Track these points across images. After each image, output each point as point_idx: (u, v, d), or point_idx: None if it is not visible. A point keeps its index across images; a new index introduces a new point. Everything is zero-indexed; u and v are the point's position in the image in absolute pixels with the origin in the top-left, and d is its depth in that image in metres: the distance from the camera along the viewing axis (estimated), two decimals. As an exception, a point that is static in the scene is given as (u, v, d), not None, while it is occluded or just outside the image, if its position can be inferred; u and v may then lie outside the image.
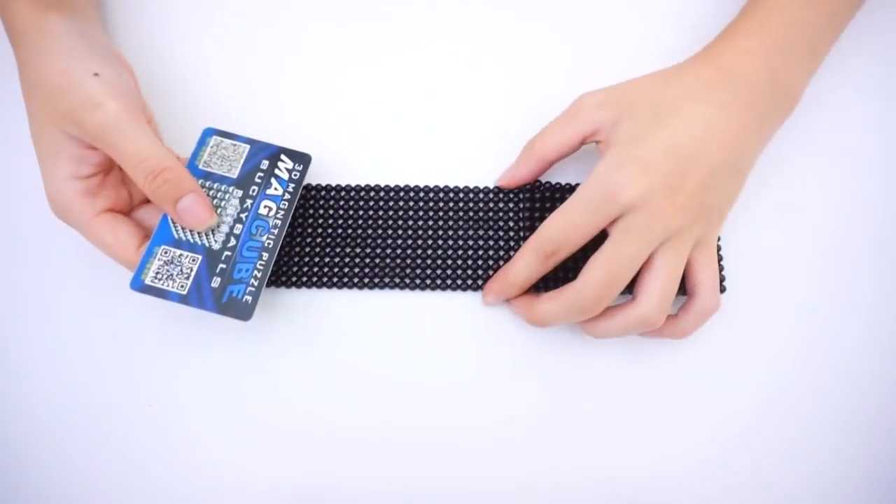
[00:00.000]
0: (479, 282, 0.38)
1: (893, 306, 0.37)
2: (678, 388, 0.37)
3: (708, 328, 0.36)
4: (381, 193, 0.39)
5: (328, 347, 0.37)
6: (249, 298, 0.35)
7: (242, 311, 0.34)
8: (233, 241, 0.36)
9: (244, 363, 0.37)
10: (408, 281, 0.38)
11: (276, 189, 0.37)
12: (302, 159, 0.38)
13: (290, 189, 0.37)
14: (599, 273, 0.32)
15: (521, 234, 0.38)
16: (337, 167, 0.40)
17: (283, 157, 0.38)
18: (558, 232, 0.33)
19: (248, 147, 0.38)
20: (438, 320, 0.38)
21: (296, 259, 0.38)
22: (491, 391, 0.37)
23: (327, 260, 0.38)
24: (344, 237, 0.38)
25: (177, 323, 0.38)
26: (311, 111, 0.41)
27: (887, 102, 0.40)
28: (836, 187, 0.39)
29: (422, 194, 0.39)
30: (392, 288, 0.38)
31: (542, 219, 0.35)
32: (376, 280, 0.38)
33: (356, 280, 0.38)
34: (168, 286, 0.34)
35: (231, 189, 0.37)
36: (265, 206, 0.37)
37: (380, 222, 0.39)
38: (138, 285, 0.34)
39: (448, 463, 0.36)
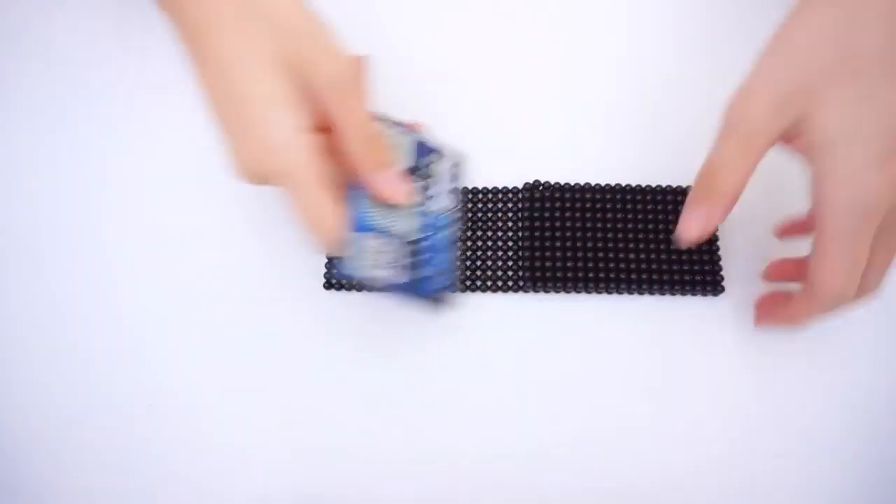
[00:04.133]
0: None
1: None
2: (687, 392, 0.36)
3: (713, 328, 0.36)
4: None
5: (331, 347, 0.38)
6: (449, 287, 0.33)
7: (446, 300, 0.33)
8: (422, 232, 0.34)
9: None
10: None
11: (441, 187, 0.35)
12: (458, 157, 0.37)
13: (456, 184, 0.36)
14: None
15: (521, 233, 0.37)
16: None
17: (441, 154, 0.36)
18: (841, 281, 0.29)
19: (408, 140, 0.35)
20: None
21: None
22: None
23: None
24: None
25: (177, 322, 0.37)
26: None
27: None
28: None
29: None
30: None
31: (541, 219, 0.35)
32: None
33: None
34: (373, 274, 0.32)
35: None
36: (438, 203, 0.35)
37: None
38: (345, 273, 0.31)
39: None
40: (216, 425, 0.36)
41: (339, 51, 0.30)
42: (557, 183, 0.38)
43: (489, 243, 0.38)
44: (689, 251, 0.36)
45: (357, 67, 0.30)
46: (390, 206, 0.33)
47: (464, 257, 0.37)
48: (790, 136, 0.29)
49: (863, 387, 0.36)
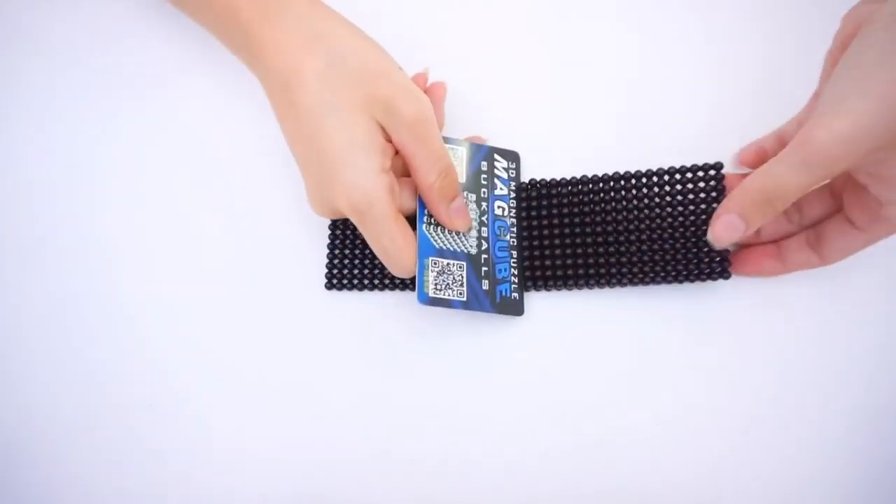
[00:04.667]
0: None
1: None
2: (683, 384, 0.36)
3: (710, 319, 0.37)
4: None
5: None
6: (517, 295, 0.35)
7: (516, 308, 0.35)
8: (485, 245, 0.36)
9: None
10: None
11: (501, 189, 0.38)
12: (513, 157, 0.39)
13: (513, 187, 0.38)
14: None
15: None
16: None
17: (496, 156, 0.38)
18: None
19: (465, 150, 0.37)
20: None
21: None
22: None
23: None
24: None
25: (177, 322, 0.38)
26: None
27: None
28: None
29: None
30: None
31: (528, 218, 0.37)
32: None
33: None
34: (448, 295, 0.34)
35: (465, 194, 0.36)
36: (499, 207, 0.37)
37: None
38: (424, 299, 0.33)
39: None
40: (216, 425, 0.36)
41: (416, 90, 0.33)
42: (553, 179, 0.38)
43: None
44: (696, 235, 0.35)
45: (430, 104, 0.33)
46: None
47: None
48: None
49: (877, 381, 0.36)
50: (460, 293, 0.34)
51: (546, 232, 0.37)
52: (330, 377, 0.36)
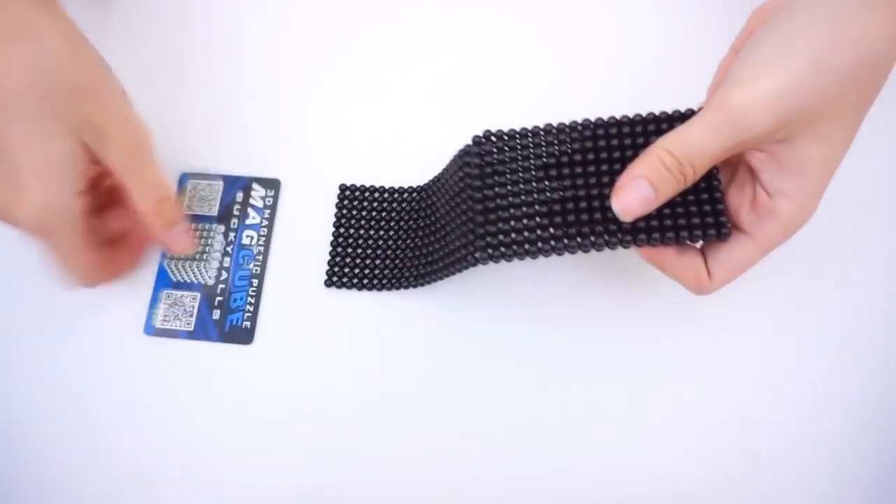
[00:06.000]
0: None
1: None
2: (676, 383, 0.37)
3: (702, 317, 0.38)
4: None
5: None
6: (248, 324, 0.37)
7: (244, 337, 0.37)
8: (224, 275, 0.38)
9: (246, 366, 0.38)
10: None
11: (253, 218, 0.40)
12: (273, 184, 0.40)
13: (267, 215, 0.39)
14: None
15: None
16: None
17: (254, 185, 0.40)
18: (725, 281, 0.31)
19: (221, 183, 0.40)
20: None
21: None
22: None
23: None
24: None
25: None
26: (278, 136, 0.42)
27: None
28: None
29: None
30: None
31: (492, 180, 0.31)
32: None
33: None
34: (175, 326, 0.37)
35: (214, 226, 0.39)
36: (247, 236, 0.39)
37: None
38: (150, 330, 0.37)
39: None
40: (217, 425, 0.37)
41: (132, 117, 0.33)
42: (505, 133, 0.32)
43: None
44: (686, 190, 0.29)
45: (146, 133, 0.34)
46: (192, 258, 0.39)
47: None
48: None
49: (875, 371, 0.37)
50: (188, 323, 0.38)
51: (502, 191, 0.31)
52: (328, 375, 0.37)
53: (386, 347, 0.38)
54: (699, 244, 0.31)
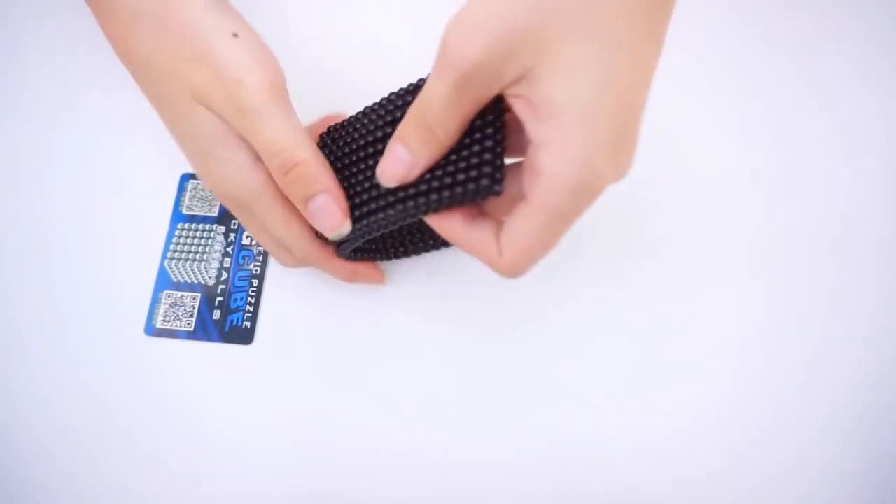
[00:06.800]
0: None
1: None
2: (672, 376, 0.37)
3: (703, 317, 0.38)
4: None
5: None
6: (248, 324, 0.37)
7: (244, 337, 0.37)
8: (224, 275, 0.38)
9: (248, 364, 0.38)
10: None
11: None
12: None
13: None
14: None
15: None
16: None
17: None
18: (528, 262, 0.26)
19: None
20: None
21: None
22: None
23: None
24: None
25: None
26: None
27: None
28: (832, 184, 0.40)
29: None
30: None
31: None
32: None
33: None
34: (176, 326, 0.38)
35: (214, 227, 0.39)
36: (247, 237, 0.39)
37: None
38: (151, 330, 0.37)
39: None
40: (217, 424, 0.37)
41: (242, 70, 0.28)
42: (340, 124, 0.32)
43: None
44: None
45: (256, 87, 0.28)
46: (193, 258, 0.39)
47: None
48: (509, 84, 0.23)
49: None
50: (188, 324, 0.38)
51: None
52: (328, 374, 0.38)
53: (387, 347, 0.38)
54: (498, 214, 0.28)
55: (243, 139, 0.29)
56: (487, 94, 0.24)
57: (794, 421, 0.36)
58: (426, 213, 0.26)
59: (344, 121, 0.32)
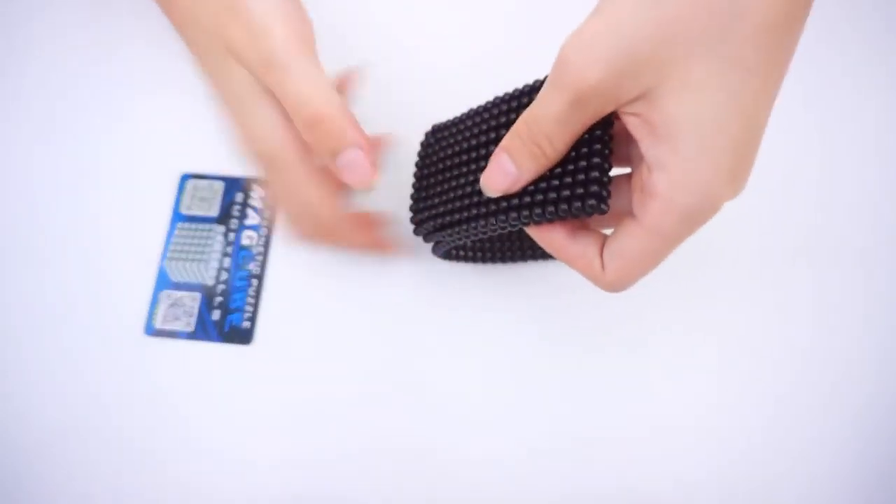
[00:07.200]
0: None
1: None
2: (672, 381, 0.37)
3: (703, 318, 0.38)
4: None
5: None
6: (248, 324, 0.37)
7: (244, 337, 0.37)
8: (224, 275, 0.38)
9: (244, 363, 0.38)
10: None
11: (253, 218, 0.40)
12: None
13: (266, 216, 0.40)
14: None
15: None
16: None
17: (254, 186, 0.40)
18: (633, 280, 0.26)
19: (222, 184, 0.40)
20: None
21: None
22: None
23: None
24: None
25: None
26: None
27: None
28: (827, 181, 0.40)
29: None
30: None
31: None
32: None
33: None
34: (176, 327, 0.38)
35: (214, 227, 0.39)
36: (247, 237, 0.39)
37: None
38: (151, 331, 0.38)
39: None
40: (216, 424, 0.37)
41: (269, 21, 0.28)
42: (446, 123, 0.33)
43: None
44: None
45: (282, 40, 0.28)
46: (192, 259, 0.39)
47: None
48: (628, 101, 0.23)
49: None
50: (188, 324, 0.38)
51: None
52: (327, 374, 0.37)
53: (388, 346, 0.38)
54: (601, 228, 0.28)
55: (273, 96, 0.29)
56: (602, 112, 0.23)
57: (796, 421, 0.36)
58: (528, 224, 0.26)
59: (450, 120, 0.32)
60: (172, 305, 0.38)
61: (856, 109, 0.42)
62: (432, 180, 0.31)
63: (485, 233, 0.28)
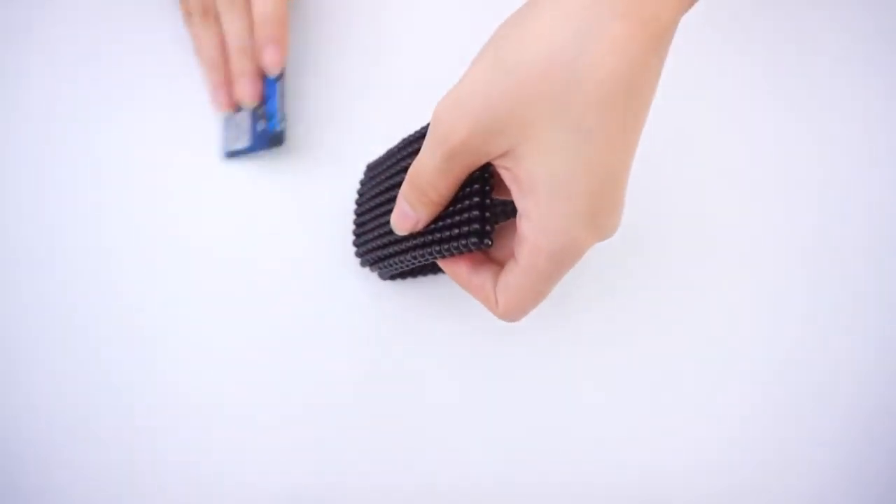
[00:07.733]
0: None
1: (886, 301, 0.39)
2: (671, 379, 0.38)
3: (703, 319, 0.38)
4: None
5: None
6: (280, 127, 0.40)
7: (277, 140, 0.39)
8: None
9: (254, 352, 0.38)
10: None
11: None
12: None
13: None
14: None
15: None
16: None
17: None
18: (519, 314, 0.28)
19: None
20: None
21: None
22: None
23: None
24: None
25: (176, 321, 0.38)
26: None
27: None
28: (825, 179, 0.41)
29: None
30: None
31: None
32: None
33: None
34: (239, 145, 0.40)
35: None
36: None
37: None
38: (227, 152, 0.40)
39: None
40: (215, 424, 0.36)
41: None
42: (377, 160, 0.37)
43: None
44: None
45: None
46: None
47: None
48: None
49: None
50: (246, 140, 0.40)
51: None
52: (326, 373, 0.37)
53: (388, 346, 0.38)
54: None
55: None
56: (475, 165, 0.26)
57: (794, 421, 0.37)
58: (435, 259, 0.30)
59: (381, 157, 0.36)
60: (231, 125, 0.40)
61: (852, 110, 0.42)
62: (367, 216, 0.35)
63: (409, 265, 0.32)
